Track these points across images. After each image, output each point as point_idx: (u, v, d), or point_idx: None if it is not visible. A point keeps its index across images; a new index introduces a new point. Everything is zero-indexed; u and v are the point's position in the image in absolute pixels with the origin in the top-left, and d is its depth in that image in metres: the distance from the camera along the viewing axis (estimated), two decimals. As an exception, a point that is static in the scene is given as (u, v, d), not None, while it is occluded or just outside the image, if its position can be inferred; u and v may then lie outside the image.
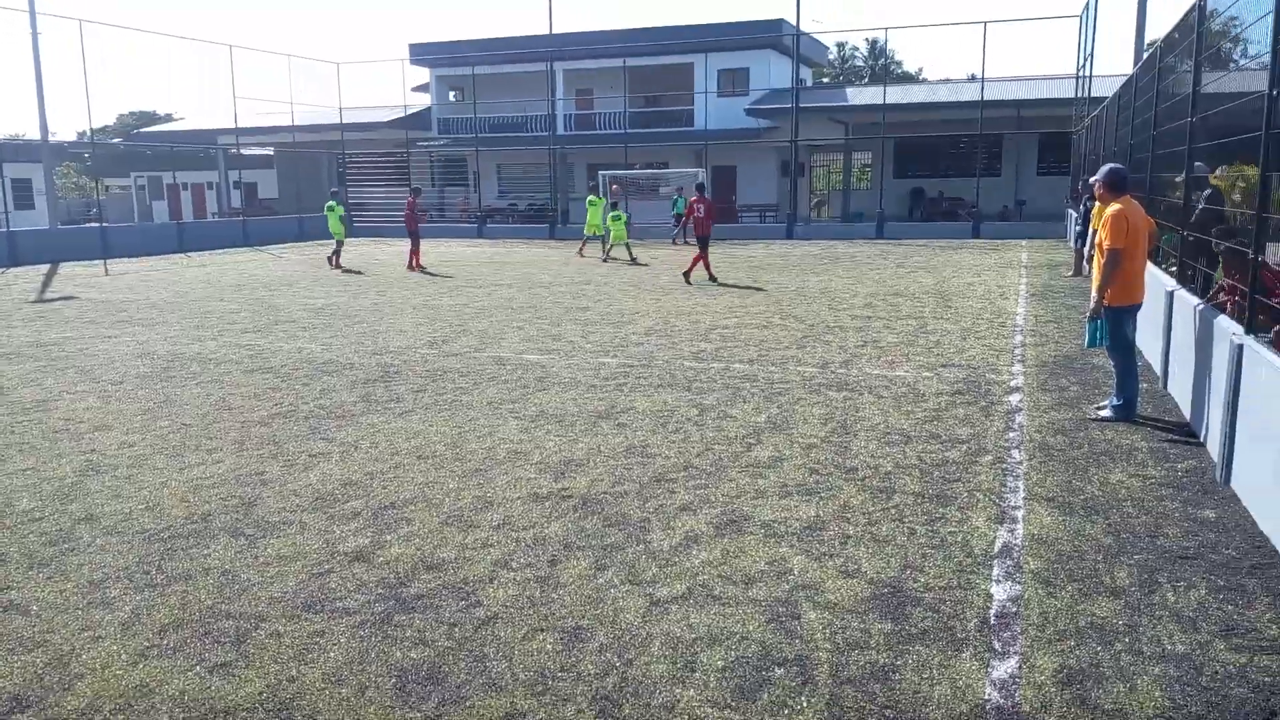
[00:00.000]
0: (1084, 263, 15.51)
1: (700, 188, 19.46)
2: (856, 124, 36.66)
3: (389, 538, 4.85)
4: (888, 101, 31.69)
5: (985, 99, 29.84)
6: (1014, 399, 7.69)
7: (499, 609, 4.02)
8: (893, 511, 5.13)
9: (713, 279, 17.55)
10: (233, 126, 41.17)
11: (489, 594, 4.17)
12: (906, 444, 6.40)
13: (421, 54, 41.60)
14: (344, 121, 38.51)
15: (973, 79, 35.96)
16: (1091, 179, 7.98)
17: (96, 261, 24.10)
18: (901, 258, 22.29)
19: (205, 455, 6.40)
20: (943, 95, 33.56)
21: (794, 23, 33.10)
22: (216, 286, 18.23)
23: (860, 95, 36.69)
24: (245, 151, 48.98)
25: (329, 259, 22.60)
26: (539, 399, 7.93)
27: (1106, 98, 19.51)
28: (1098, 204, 7.30)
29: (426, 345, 10.76)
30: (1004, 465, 5.94)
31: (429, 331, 11.86)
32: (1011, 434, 6.65)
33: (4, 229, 24.31)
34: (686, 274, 17.78)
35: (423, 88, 44.74)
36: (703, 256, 17.72)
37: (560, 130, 40.17)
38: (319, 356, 10.13)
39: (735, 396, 7.92)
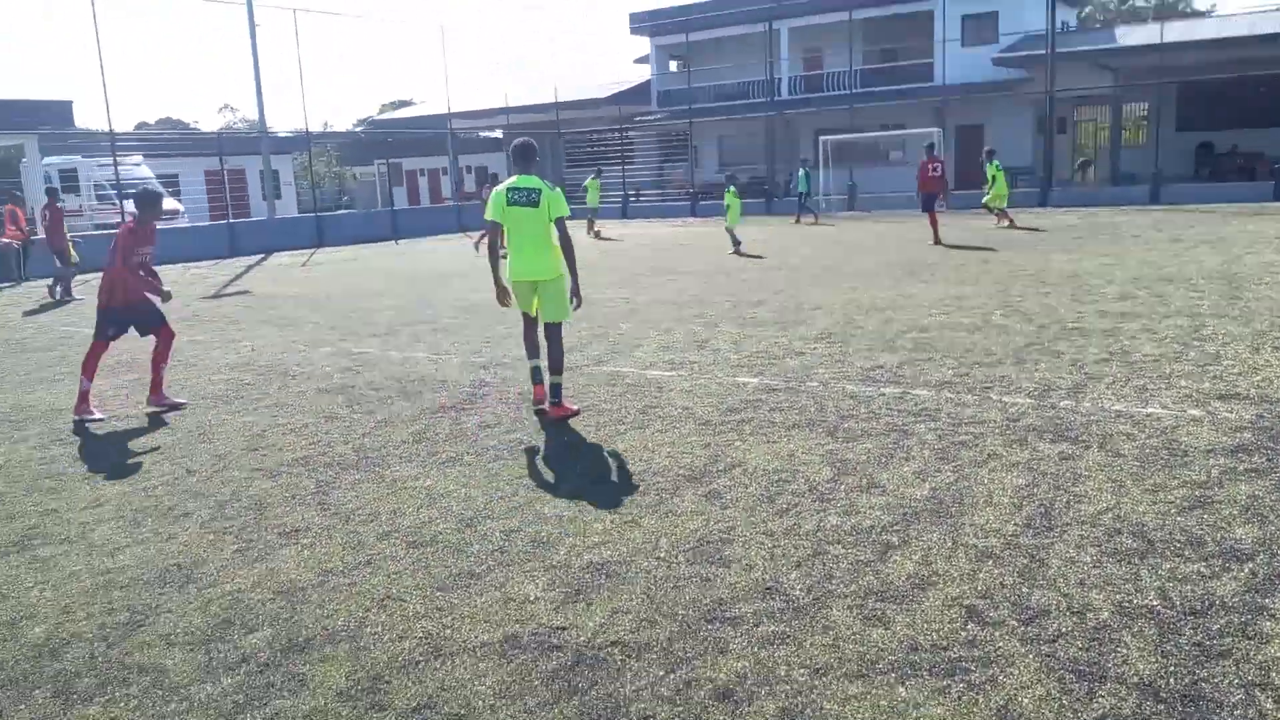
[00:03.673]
0: None
1: (930, 148, 19.37)
2: (1129, 70, 31.49)
3: (283, 703, 3.13)
4: (1166, 40, 26.71)
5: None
6: (1343, 466, 4.89)
7: None
8: (1099, 735, 2.81)
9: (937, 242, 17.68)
10: (457, 110, 41.97)
11: None
12: (1143, 559, 3.92)
13: (640, 22, 40.28)
14: (559, 100, 37.88)
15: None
16: None
17: (306, 251, 24.62)
18: (1180, 229, 18.26)
19: (161, 527, 4.99)
20: (1235, 29, 27.92)
21: (1049, -46, 28.67)
22: (391, 279, 17.62)
23: (1131, 35, 31.45)
24: (479, 135, 50.08)
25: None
26: (622, 444, 5.99)
27: None
28: None
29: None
30: (1327, 623, 3.37)
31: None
32: (1340, 545, 3.99)
33: (225, 220, 25.40)
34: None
35: (644, 59, 43.52)
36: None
37: (785, 94, 37.60)
38: (417, 372, 8.71)
39: (897, 447, 5.62)
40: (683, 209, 34.10)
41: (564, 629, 3.61)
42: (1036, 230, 19.62)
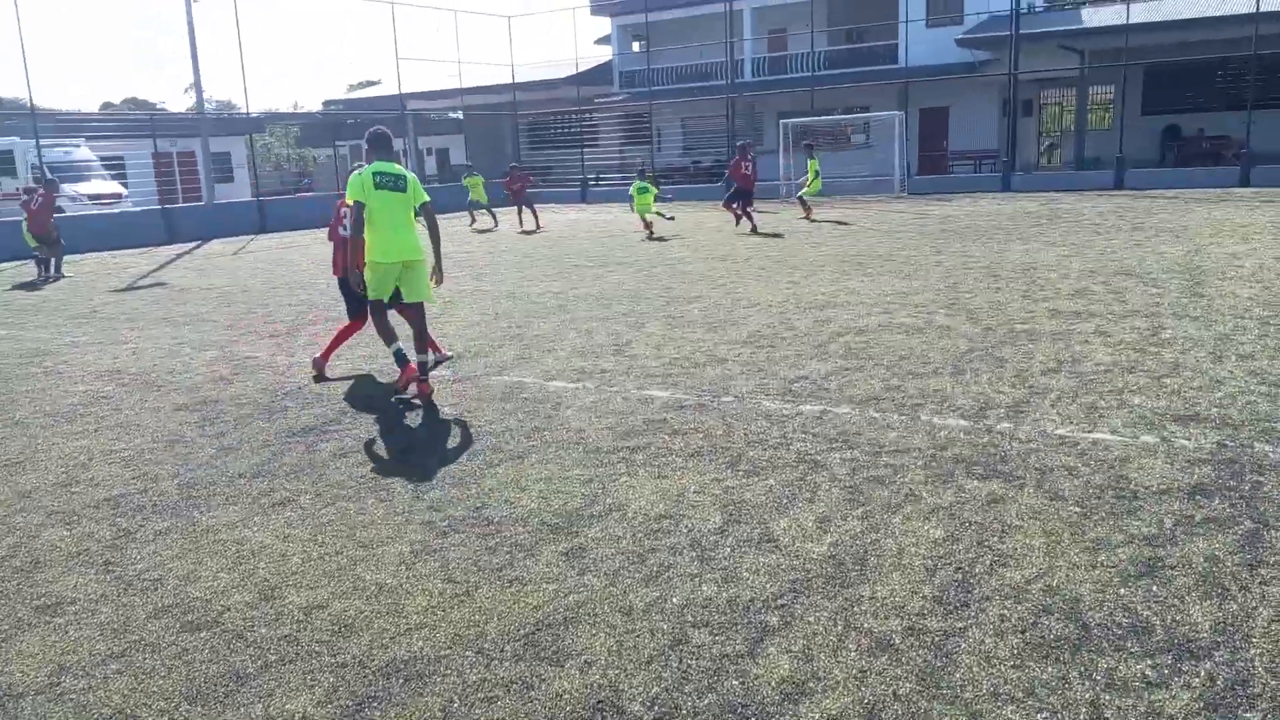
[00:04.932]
0: None
1: (743, 147, 19.68)
2: (1095, 52, 30.86)
3: None
4: (1132, 21, 26.04)
5: (1261, 9, 23.75)
6: (1316, 514, 4.14)
7: None
8: None
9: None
10: (415, 91, 40.69)
11: None
12: (1075, 654, 3.14)
13: (602, 1, 39.14)
14: (517, 81, 36.75)
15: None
16: None
17: (245, 238, 23.52)
18: (1142, 215, 17.62)
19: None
20: (1203, 8, 27.34)
21: (1014, -68, 27.90)
22: (322, 268, 16.63)
23: (1097, 16, 30.78)
24: (439, 116, 48.77)
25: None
26: (491, 480, 5.15)
27: None
28: None
29: (450, 364, 8.21)
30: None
31: (473, 336, 9.32)
32: (1315, 630, 3.23)
33: (159, 206, 24.19)
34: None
35: (605, 40, 42.41)
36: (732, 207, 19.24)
37: (749, 76, 36.70)
38: (295, 381, 7.82)
39: (803, 485, 4.81)
40: (642, 193, 33.13)
41: (325, 765, 2.78)
42: (842, 224, 19.14)
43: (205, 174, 26.49)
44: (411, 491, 5.03)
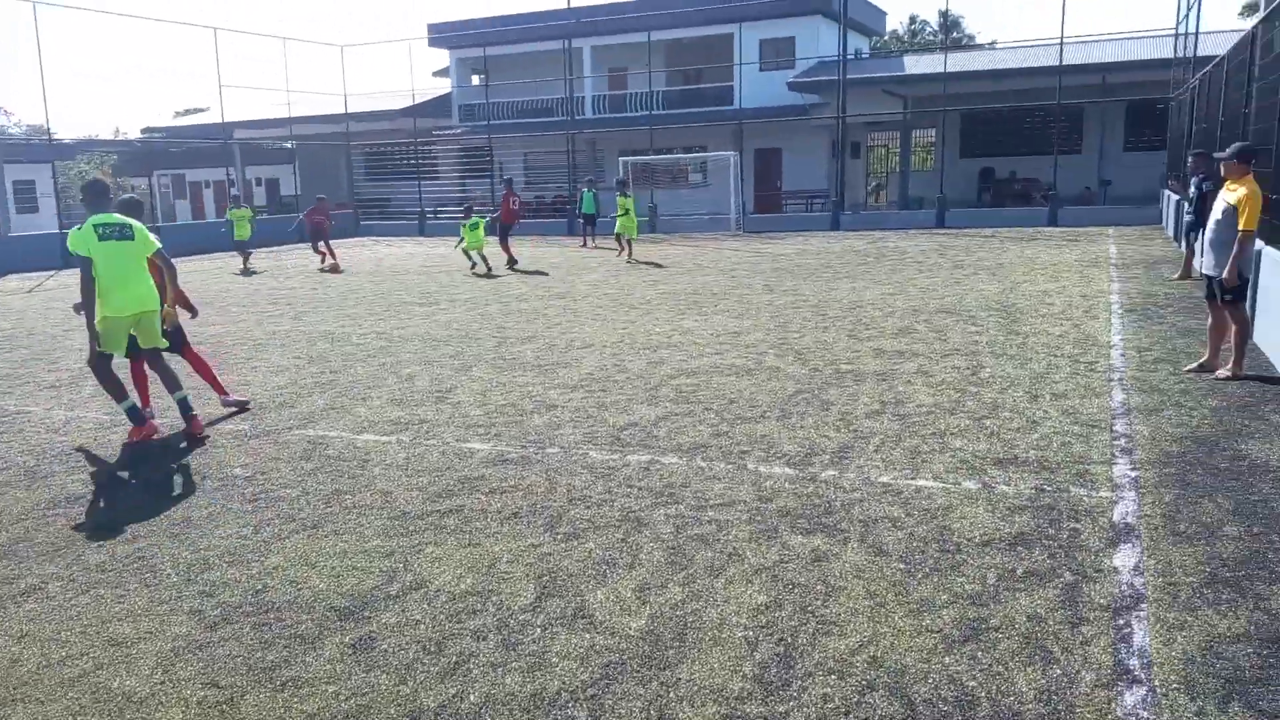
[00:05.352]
0: (1197, 261, 10.40)
1: (509, 183, 21.60)
2: (917, 98, 32.53)
3: None
4: (950, 70, 27.57)
5: (1065, 63, 25.60)
6: (1124, 559, 4.13)
7: None
8: None
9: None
10: (242, 119, 38.86)
11: None
12: (902, 738, 2.93)
13: (440, 33, 38.55)
14: (350, 111, 35.64)
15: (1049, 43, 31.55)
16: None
17: (45, 274, 21.61)
18: (962, 253, 18.46)
19: None
20: (1012, 61, 29.27)
21: (840, -18, 29.15)
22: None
23: (918, 64, 32.50)
24: (271, 145, 46.72)
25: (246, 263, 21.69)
26: (277, 556, 4.60)
27: (1216, 56, 15.49)
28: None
29: (250, 415, 7.52)
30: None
31: (280, 383, 8.63)
32: (1132, 692, 3.13)
33: None
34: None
35: (443, 72, 41.76)
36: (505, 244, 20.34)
37: (590, 113, 36.82)
38: (73, 440, 6.97)
39: (625, 547, 4.50)
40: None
41: None
42: (656, 265, 19.49)
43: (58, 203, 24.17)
44: (182, 573, 4.41)
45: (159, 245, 6.79)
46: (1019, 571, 4.06)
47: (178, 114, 73.94)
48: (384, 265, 21.35)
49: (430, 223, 34.16)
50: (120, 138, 67.30)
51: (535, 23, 35.75)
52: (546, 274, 18.03)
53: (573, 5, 33.59)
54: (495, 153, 35.27)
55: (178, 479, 5.94)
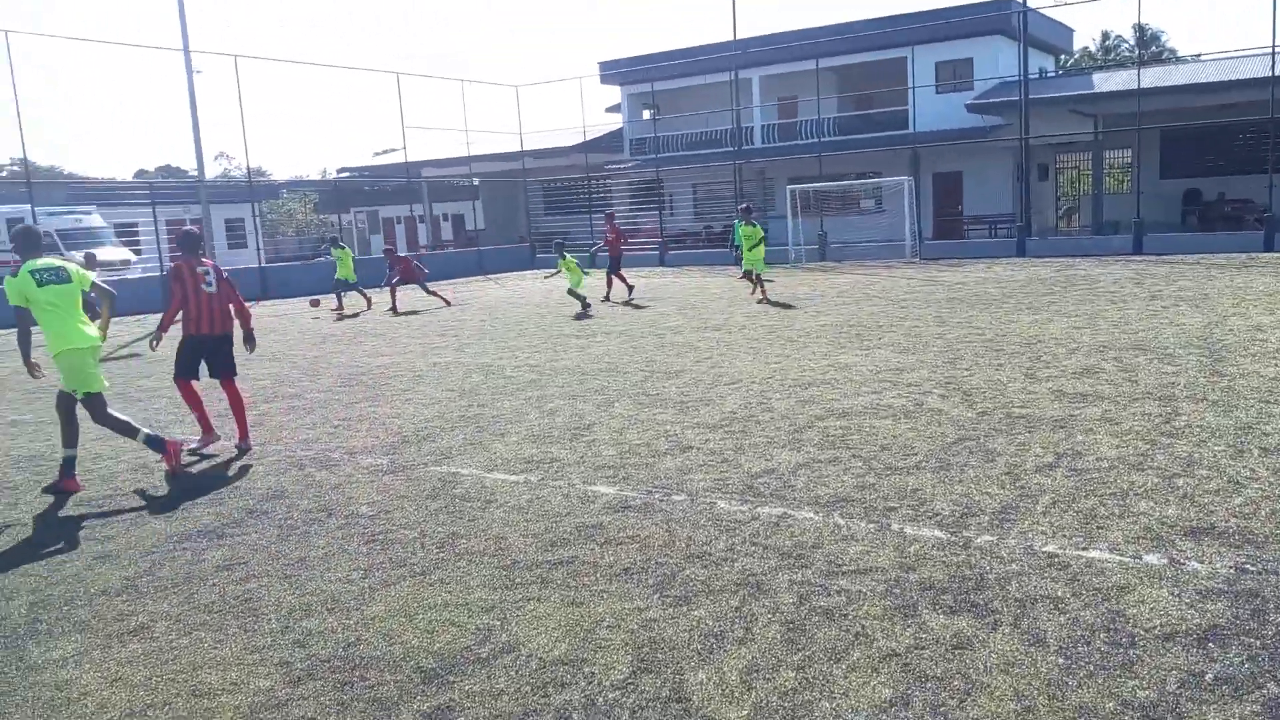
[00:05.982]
0: None
1: (610, 216, 21.38)
2: (1109, 117, 30.38)
3: None
4: (1144, 85, 25.53)
5: (1278, 73, 23.17)
6: (1358, 670, 3.33)
7: None
8: None
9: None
10: (426, 159, 40.82)
11: None
12: None
13: (611, 70, 39.27)
14: (526, 149, 36.70)
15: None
16: None
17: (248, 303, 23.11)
18: (1160, 282, 16.84)
19: None
20: (1215, 73, 26.80)
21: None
22: (291, 341, 16.11)
23: (1109, 81, 30.34)
24: (461, 183, 48.94)
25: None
26: (377, 607, 4.42)
27: None
28: None
29: (390, 450, 7.54)
30: None
31: (428, 417, 8.65)
32: None
33: (121, 276, 23.97)
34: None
35: (615, 108, 42.49)
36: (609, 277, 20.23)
37: (760, 142, 36.48)
38: (227, 472, 7.16)
39: (738, 618, 4.05)
40: (651, 258, 32.70)
41: None
42: (788, 307, 18.18)
43: (207, 240, 26.25)
44: (282, 619, 4.30)
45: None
46: (1208, 677, 3.35)
47: (376, 154, 79.07)
48: (552, 297, 21.64)
49: (601, 255, 34.63)
50: (325, 178, 72.47)
51: (703, 55, 35.79)
52: (700, 306, 17.70)
53: (740, 37, 33.40)
54: (665, 184, 35.45)
55: (305, 517, 5.93)
